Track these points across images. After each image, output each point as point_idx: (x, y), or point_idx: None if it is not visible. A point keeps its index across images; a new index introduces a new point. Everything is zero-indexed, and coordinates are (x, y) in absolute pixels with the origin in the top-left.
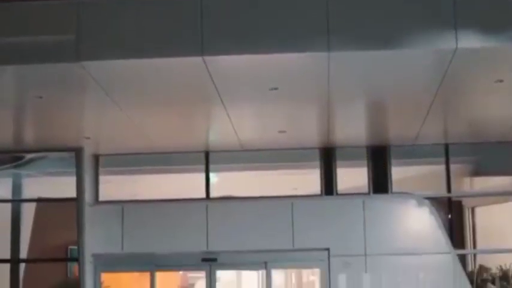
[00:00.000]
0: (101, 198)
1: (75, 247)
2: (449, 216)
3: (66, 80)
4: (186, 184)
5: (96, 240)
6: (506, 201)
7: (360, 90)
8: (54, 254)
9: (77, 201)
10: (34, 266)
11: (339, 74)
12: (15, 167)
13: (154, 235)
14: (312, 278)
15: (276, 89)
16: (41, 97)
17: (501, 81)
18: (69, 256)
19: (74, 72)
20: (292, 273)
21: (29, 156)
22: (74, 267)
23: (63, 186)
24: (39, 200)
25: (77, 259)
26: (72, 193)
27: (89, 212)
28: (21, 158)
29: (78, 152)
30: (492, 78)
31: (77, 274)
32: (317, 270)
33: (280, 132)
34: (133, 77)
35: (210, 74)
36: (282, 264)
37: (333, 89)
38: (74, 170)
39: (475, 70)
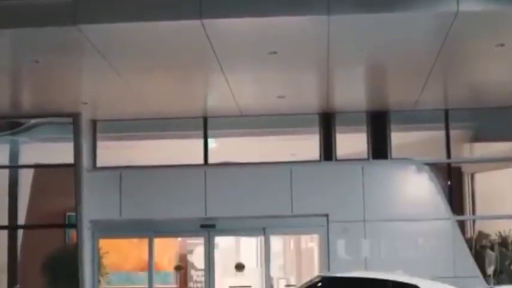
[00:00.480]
0: (98, 164)
1: (73, 213)
2: (449, 182)
3: (62, 44)
4: (184, 150)
5: (94, 206)
6: (506, 167)
7: (360, 54)
8: (52, 221)
9: (74, 167)
10: (32, 232)
11: (338, 37)
12: (13, 133)
13: (152, 201)
14: (310, 244)
15: (275, 53)
16: (37, 61)
17: (502, 45)
18: (67, 222)
19: (70, 36)
20: (291, 239)
21: (26, 122)
22: (72, 233)
23: (61, 153)
24: (36, 166)
25: (75, 225)
26: (69, 159)
27: (86, 178)
28: (18, 124)
29: (75, 117)
30: (493, 42)
31: (75, 240)
32: (316, 236)
33: (279, 97)
34: (131, 40)
35: (208, 37)
36: (281, 230)
37: (332, 52)
38: (71, 136)
39: (476, 34)
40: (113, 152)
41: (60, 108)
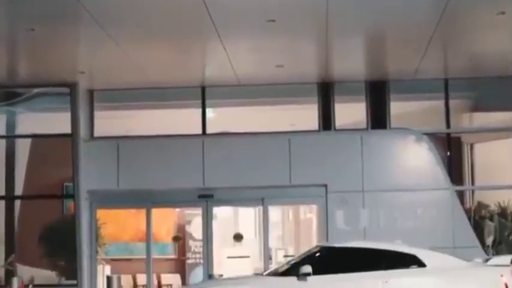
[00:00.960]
0: (96, 134)
1: (71, 184)
2: (448, 152)
3: (59, 11)
4: (182, 120)
5: (91, 176)
6: (506, 137)
7: (359, 21)
8: (50, 191)
9: (71, 137)
10: (29, 203)
11: (337, 4)
12: (10, 104)
13: (150, 171)
14: (309, 215)
15: (273, 21)
16: (33, 30)
17: (503, 13)
18: (64, 193)
19: (67, 3)
20: (290, 210)
21: (23, 92)
22: (69, 204)
23: (58, 123)
24: (33, 136)
25: (73, 196)
26: (67, 129)
27: (84, 148)
28: (15, 94)
29: (72, 87)
30: (494, 10)
31: (73, 211)
32: (314, 207)
33: (277, 66)
34: (129, 8)
35: (206, 5)
36: (279, 201)
37: (331, 20)
38: (69, 105)
39: (477, 1)
40: (110, 122)
41: (57, 77)
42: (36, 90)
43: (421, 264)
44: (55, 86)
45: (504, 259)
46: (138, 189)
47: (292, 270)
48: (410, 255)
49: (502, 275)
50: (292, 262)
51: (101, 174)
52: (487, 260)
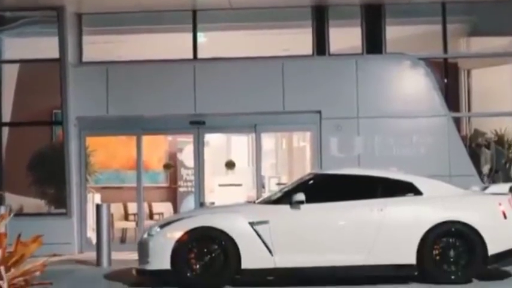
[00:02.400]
0: (84, 59)
1: (60, 111)
2: (445, 78)
3: None
4: (173, 44)
5: (80, 102)
6: (503, 63)
7: None
8: (39, 119)
9: (59, 62)
10: (18, 130)
11: None
12: None
13: (140, 97)
14: (302, 143)
15: None
16: None
17: None
18: (53, 120)
19: None
20: (283, 138)
21: (10, 17)
22: (59, 131)
23: (47, 49)
24: (20, 61)
25: (61, 122)
26: (55, 54)
27: (72, 73)
28: (2, 20)
29: (59, 10)
30: None
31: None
32: (308, 134)
33: None
34: None
35: None
36: (272, 128)
37: None
38: (56, 30)
39: None
40: (99, 47)
41: (43, 0)
42: (23, 15)
43: (417, 192)
44: (42, 10)
45: (502, 187)
46: (128, 116)
47: (285, 198)
48: (407, 182)
49: (500, 204)
50: (285, 190)
51: (90, 100)
52: (485, 188)
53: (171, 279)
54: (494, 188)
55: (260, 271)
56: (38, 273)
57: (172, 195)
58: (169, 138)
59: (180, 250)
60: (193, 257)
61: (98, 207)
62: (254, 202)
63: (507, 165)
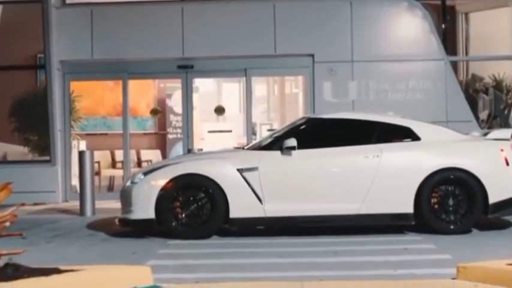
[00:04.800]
0: (68, 1)
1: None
2: (442, 21)
3: None
4: None
5: (63, 46)
6: (503, 5)
7: None
8: (23, 63)
9: (41, 4)
10: (1, 74)
11: None
12: None
13: (126, 40)
14: (295, 90)
15: None
16: None
17: None
18: (38, 64)
19: None
20: (275, 85)
21: None
22: (44, 76)
23: None
24: (2, 3)
25: (44, 66)
26: None
27: (55, 15)
28: None
29: None
30: None
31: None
32: (300, 80)
33: None
34: None
35: None
36: (263, 72)
37: None
38: None
39: None
40: None
41: None
42: None
43: (415, 137)
44: None
45: (505, 132)
46: (113, 60)
47: (275, 143)
48: (404, 127)
49: (502, 150)
50: (276, 135)
51: (74, 43)
52: (486, 134)
53: (155, 229)
54: (496, 133)
55: (249, 220)
56: (7, 223)
57: (162, 142)
58: (158, 83)
59: (164, 198)
60: (179, 206)
61: (81, 154)
62: (243, 148)
63: (506, 111)
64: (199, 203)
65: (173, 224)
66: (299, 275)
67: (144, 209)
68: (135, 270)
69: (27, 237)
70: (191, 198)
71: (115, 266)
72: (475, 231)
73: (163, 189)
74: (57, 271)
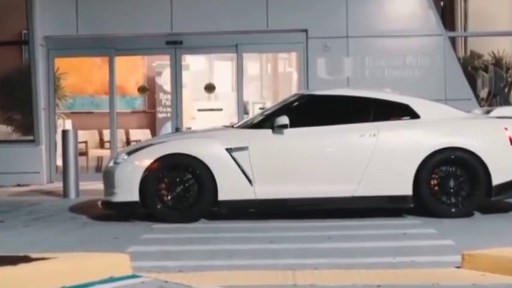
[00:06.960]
0: None
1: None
2: None
3: None
4: None
5: (47, 21)
6: None
7: None
8: (7, 39)
9: None
10: None
11: None
12: None
13: (112, 15)
14: (289, 69)
15: None
16: None
17: None
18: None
19: None
20: (268, 63)
21: None
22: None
23: None
24: None
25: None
26: None
27: None
28: None
29: None
30: None
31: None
32: (294, 57)
33: None
34: None
35: None
36: (255, 48)
37: None
38: None
39: None
40: None
41: None
42: None
43: (414, 115)
44: None
45: (508, 110)
46: (99, 35)
47: (266, 121)
48: (402, 104)
49: (506, 128)
50: (267, 113)
51: (58, 18)
52: (488, 112)
53: (140, 212)
54: (500, 110)
55: (239, 203)
56: None
57: (151, 122)
58: (147, 60)
59: (149, 180)
60: (165, 188)
61: (64, 133)
62: (232, 126)
63: (506, 89)
64: (186, 185)
65: (158, 206)
66: (291, 263)
67: (128, 191)
68: (112, 258)
69: (4, 220)
70: (177, 180)
71: (90, 253)
72: (476, 214)
73: (148, 170)
74: (26, 259)
